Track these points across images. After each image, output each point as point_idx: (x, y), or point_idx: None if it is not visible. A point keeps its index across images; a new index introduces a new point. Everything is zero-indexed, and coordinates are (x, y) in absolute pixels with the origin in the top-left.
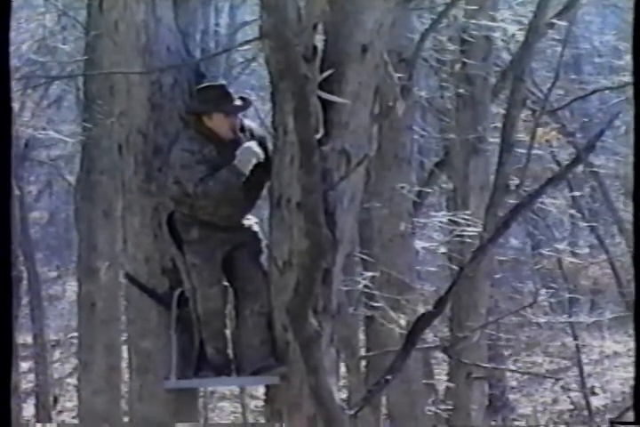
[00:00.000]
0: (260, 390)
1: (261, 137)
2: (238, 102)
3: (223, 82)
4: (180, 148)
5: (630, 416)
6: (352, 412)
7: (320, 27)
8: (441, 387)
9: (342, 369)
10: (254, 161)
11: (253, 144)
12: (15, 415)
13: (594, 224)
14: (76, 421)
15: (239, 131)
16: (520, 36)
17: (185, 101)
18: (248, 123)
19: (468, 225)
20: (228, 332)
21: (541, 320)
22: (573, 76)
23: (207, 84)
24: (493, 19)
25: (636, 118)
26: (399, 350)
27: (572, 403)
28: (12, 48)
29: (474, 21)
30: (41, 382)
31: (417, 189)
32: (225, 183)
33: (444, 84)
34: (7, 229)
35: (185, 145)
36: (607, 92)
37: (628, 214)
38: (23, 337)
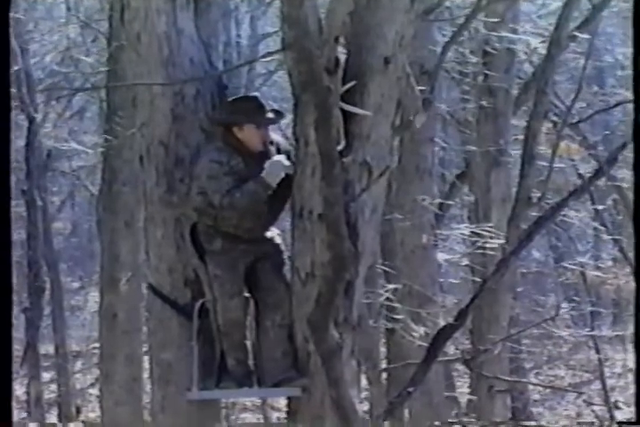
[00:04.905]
0: (282, 402)
1: (287, 151)
2: (271, 115)
3: (257, 94)
4: (207, 159)
5: None
6: (374, 424)
7: (342, 39)
8: (463, 400)
9: (363, 381)
10: (282, 175)
11: (282, 157)
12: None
13: (617, 237)
14: None
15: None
16: (542, 49)
17: (207, 113)
18: (275, 136)
19: (491, 237)
20: (248, 343)
21: (563, 333)
22: (596, 89)
23: (241, 95)
24: (514, 31)
25: (636, 119)
26: (420, 362)
27: (597, 417)
28: (35, 60)
29: (495, 34)
30: (63, 393)
31: (438, 200)
32: (252, 196)
33: (465, 96)
34: (7, 235)
35: (213, 156)
36: (629, 104)
37: None
38: (45, 347)
